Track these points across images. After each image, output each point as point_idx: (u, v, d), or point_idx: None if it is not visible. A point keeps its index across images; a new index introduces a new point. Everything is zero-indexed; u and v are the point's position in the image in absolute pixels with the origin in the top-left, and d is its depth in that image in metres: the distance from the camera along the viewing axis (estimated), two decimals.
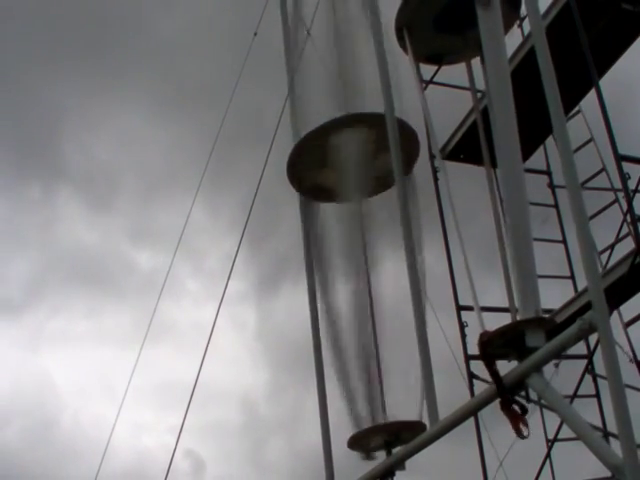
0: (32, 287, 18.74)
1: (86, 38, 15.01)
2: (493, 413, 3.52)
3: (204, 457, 15.77)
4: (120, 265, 17.58)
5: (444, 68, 5.84)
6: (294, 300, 5.39)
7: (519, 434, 3.34)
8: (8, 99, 16.44)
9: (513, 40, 7.74)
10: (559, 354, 3.23)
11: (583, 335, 3.12)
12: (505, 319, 3.81)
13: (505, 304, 4.21)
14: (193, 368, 5.71)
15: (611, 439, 7.37)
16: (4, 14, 14.48)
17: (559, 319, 7.27)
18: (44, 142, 17.25)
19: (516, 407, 3.37)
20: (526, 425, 3.33)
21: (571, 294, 8.25)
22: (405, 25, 5.13)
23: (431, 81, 8.06)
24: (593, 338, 7.22)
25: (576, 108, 8.58)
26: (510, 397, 3.39)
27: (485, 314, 3.80)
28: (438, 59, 5.46)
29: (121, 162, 17.37)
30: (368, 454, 4.55)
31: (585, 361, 7.98)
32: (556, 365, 3.24)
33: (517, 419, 3.34)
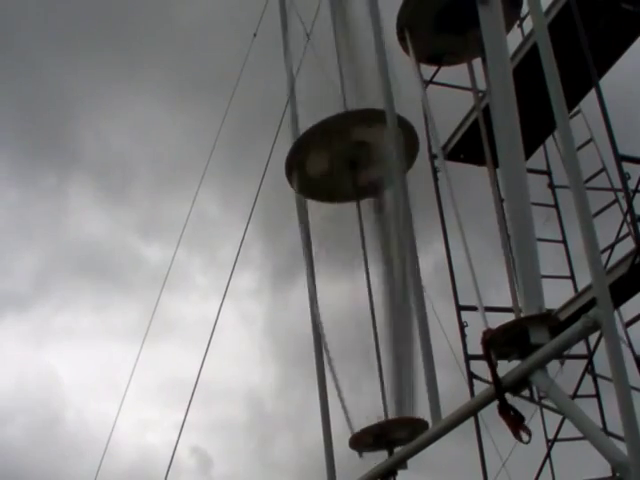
0: (39, 280, 18.60)
1: (103, 26, 14.96)
2: (494, 413, 3.51)
3: (211, 454, 15.76)
4: (130, 259, 17.45)
5: (443, 68, 5.85)
6: (305, 295, 5.36)
7: (518, 438, 3.33)
8: (24, 86, 16.39)
9: (513, 40, 7.76)
10: (563, 351, 3.23)
11: (587, 332, 3.11)
12: (508, 319, 3.79)
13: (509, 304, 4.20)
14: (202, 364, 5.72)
15: (611, 439, 7.37)
16: (21, 1, 14.46)
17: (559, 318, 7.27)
18: (59, 130, 17.16)
19: (512, 413, 3.36)
20: (526, 430, 3.32)
21: (571, 294, 8.25)
22: (406, 25, 5.14)
23: (431, 81, 8.07)
24: (593, 338, 7.26)
25: (576, 108, 8.58)
26: (508, 402, 3.38)
27: (487, 314, 3.79)
28: (439, 59, 5.47)
29: (136, 151, 17.24)
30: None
31: (585, 361, 7.99)
32: (561, 363, 3.23)
33: (515, 424, 3.33)
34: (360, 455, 4.65)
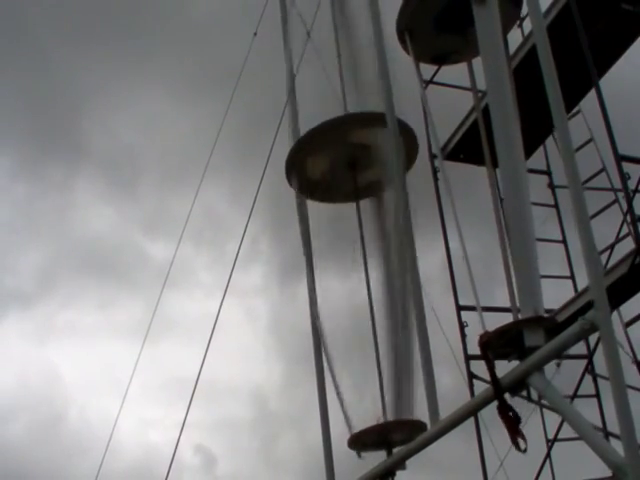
0: (44, 277, 18.46)
1: (113, 19, 14.84)
2: (494, 413, 3.51)
3: (215, 453, 15.72)
4: (135, 255, 17.30)
5: (443, 68, 5.85)
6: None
7: (517, 447, 3.33)
8: (33, 78, 16.28)
9: (514, 40, 7.75)
10: (560, 353, 3.23)
11: (584, 334, 3.11)
12: (509, 319, 3.81)
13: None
14: (205, 363, 5.71)
15: (611, 439, 7.38)
16: None
17: (559, 319, 7.27)
18: (68, 123, 16.99)
19: (512, 414, 3.36)
20: (523, 438, 3.32)
21: (571, 294, 8.25)
22: (406, 26, 5.15)
23: (431, 81, 8.07)
24: (593, 338, 7.26)
25: (576, 108, 8.58)
26: (507, 402, 3.38)
27: (490, 314, 3.80)
28: (439, 59, 5.47)
29: (144, 146, 17.02)
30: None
31: (585, 361, 7.98)
32: (558, 365, 3.23)
33: (514, 430, 3.33)
34: (359, 455, 4.65)
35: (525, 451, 3.29)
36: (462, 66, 5.38)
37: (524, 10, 5.15)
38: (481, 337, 3.44)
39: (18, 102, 17.03)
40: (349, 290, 5.18)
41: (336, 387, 4.77)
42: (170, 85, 16.02)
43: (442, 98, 8.01)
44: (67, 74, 16.34)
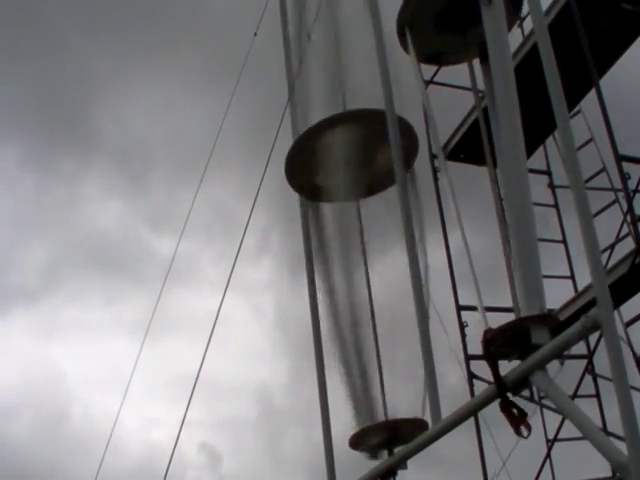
0: (49, 273, 18.30)
1: (126, 10, 14.75)
2: (496, 412, 3.51)
3: (220, 451, 15.66)
4: (143, 251, 17.13)
5: (443, 68, 5.85)
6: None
7: (519, 434, 3.33)
8: (45, 65, 16.15)
9: (514, 40, 7.75)
10: (563, 352, 3.23)
11: (587, 332, 3.11)
12: (508, 319, 3.79)
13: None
14: (210, 360, 5.70)
15: (612, 439, 7.39)
16: None
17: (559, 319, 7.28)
18: (78, 114, 16.80)
19: (515, 410, 3.37)
20: (527, 426, 3.32)
21: (571, 294, 8.26)
22: (406, 25, 5.14)
23: (431, 81, 8.08)
24: (593, 338, 7.27)
25: (576, 108, 8.60)
26: (510, 399, 3.38)
27: (490, 314, 3.79)
28: (439, 59, 5.47)
29: (156, 138, 16.75)
30: (372, 453, 4.54)
31: (585, 361, 8.00)
32: (561, 363, 3.23)
33: (517, 420, 3.33)
34: (373, 456, 4.63)
35: (527, 437, 3.28)
36: (462, 66, 5.38)
37: (524, 10, 5.16)
38: (485, 333, 3.43)
39: (28, 91, 16.87)
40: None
41: (345, 383, 4.71)
42: (183, 76, 15.79)
43: (442, 98, 8.00)
44: (78, 64, 16.21)
